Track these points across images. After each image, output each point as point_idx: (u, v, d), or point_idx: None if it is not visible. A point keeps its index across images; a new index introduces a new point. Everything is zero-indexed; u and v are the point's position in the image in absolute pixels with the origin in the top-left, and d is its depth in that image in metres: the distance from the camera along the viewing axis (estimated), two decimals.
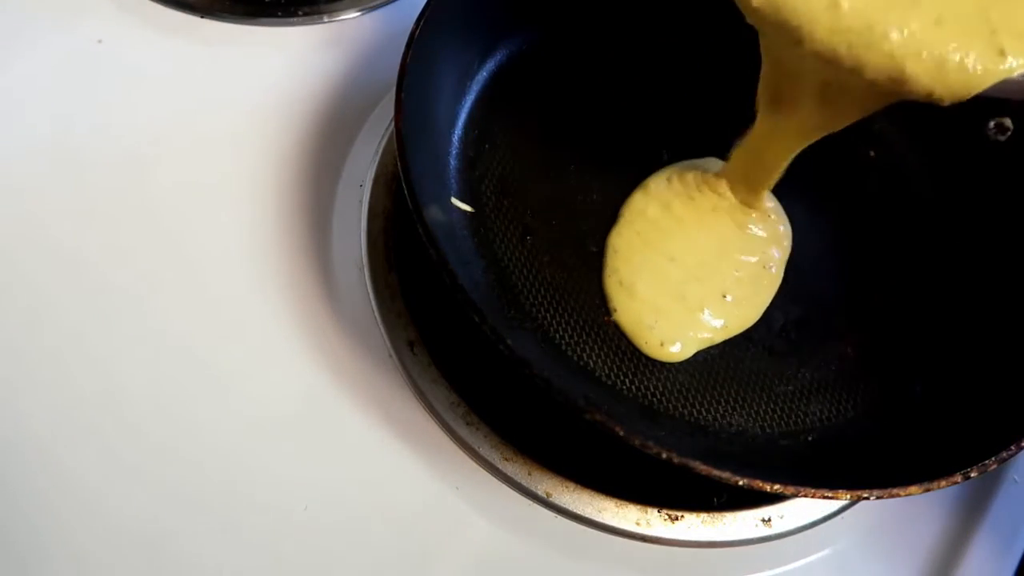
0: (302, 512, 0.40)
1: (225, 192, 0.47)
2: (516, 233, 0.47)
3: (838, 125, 0.41)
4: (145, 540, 0.38)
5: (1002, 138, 0.49)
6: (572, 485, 0.42)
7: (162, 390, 0.41)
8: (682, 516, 0.42)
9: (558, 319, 0.44)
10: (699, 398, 0.44)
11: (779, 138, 0.43)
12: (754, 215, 0.49)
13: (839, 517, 0.44)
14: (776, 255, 0.48)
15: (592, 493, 0.42)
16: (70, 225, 0.45)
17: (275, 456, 0.41)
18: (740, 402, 0.44)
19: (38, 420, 0.40)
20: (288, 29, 0.53)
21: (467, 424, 0.42)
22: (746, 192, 0.48)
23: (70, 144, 0.47)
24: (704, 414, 0.43)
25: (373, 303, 0.45)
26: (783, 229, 0.49)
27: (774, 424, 0.44)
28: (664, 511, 0.42)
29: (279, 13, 0.53)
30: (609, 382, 0.43)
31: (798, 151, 0.44)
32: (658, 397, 0.43)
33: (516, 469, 0.42)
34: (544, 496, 0.42)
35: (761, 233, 0.49)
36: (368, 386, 0.43)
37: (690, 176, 0.49)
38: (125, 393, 0.41)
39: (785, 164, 0.45)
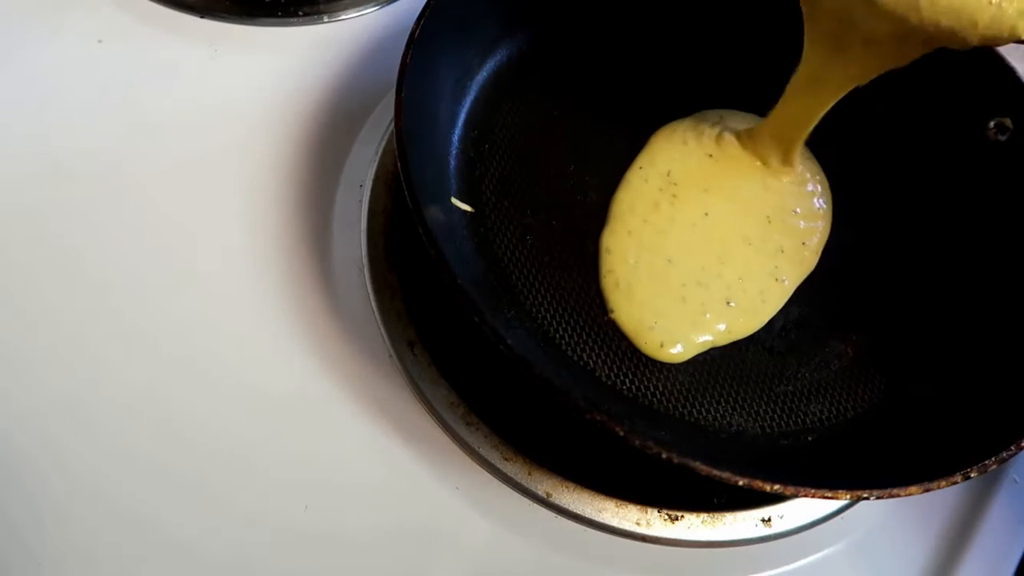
0: (302, 512, 0.40)
1: (225, 192, 0.47)
2: (516, 233, 0.47)
3: (877, 71, 0.42)
4: (144, 540, 0.38)
5: (1002, 138, 0.49)
6: (572, 485, 0.42)
7: (160, 390, 0.41)
8: (682, 516, 0.42)
9: (558, 319, 0.44)
10: (699, 398, 0.44)
11: (823, 85, 0.44)
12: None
13: (839, 517, 0.44)
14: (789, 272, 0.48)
15: (592, 493, 0.42)
16: (69, 224, 0.45)
17: (274, 456, 0.41)
18: (740, 402, 0.44)
19: (35, 420, 0.40)
20: (288, 29, 0.53)
21: (467, 424, 0.42)
22: (777, 151, 0.48)
23: (69, 144, 0.47)
24: (704, 414, 0.43)
25: (373, 303, 0.45)
26: (808, 254, 0.49)
27: (774, 424, 0.44)
28: (664, 511, 0.42)
29: (279, 13, 0.53)
30: (609, 382, 0.43)
31: (837, 99, 0.44)
32: (658, 397, 0.43)
33: (516, 469, 0.42)
34: (544, 496, 0.42)
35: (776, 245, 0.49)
36: (368, 386, 0.43)
37: (677, 170, 0.49)
38: (122, 394, 0.41)
39: (821, 114, 0.46)
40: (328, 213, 0.47)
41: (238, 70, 0.51)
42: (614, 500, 0.42)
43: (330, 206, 0.47)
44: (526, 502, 0.42)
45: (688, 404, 0.43)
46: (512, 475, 0.42)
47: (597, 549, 0.42)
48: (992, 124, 0.49)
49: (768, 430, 0.44)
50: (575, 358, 0.43)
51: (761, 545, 0.43)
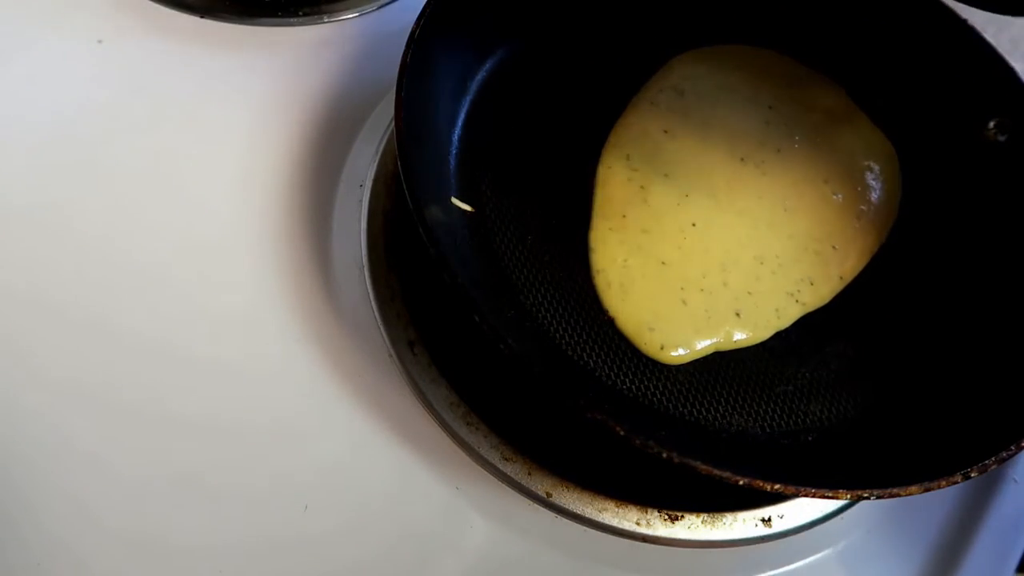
0: (302, 512, 0.40)
1: (225, 192, 0.47)
2: (516, 233, 0.47)
3: None
4: (143, 539, 0.38)
5: (1002, 138, 0.49)
6: (572, 485, 0.42)
7: (160, 391, 0.41)
8: (682, 516, 0.42)
9: (558, 319, 0.44)
10: (699, 398, 0.44)
11: None
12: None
13: (839, 517, 0.44)
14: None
15: (592, 493, 0.42)
16: (67, 225, 0.45)
17: (275, 456, 0.41)
18: (740, 402, 0.44)
19: (33, 415, 0.40)
20: (288, 29, 0.53)
21: (467, 424, 0.42)
22: None
23: (69, 144, 0.47)
24: (704, 414, 0.43)
25: (373, 303, 0.45)
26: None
27: (774, 424, 0.44)
28: (664, 511, 0.42)
29: (279, 13, 0.53)
30: (609, 382, 0.43)
31: None
32: (658, 397, 0.43)
33: (516, 469, 0.42)
34: (544, 496, 0.42)
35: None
36: (368, 386, 0.43)
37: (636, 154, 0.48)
38: (120, 392, 0.41)
39: None
40: (328, 213, 0.47)
41: (238, 70, 0.51)
42: (614, 500, 0.42)
43: (330, 206, 0.47)
44: (526, 502, 0.42)
45: (688, 404, 0.43)
46: (512, 475, 0.42)
47: (597, 549, 0.42)
48: (992, 124, 0.50)
49: (768, 430, 0.44)
50: (575, 358, 0.43)
51: (761, 545, 0.43)
